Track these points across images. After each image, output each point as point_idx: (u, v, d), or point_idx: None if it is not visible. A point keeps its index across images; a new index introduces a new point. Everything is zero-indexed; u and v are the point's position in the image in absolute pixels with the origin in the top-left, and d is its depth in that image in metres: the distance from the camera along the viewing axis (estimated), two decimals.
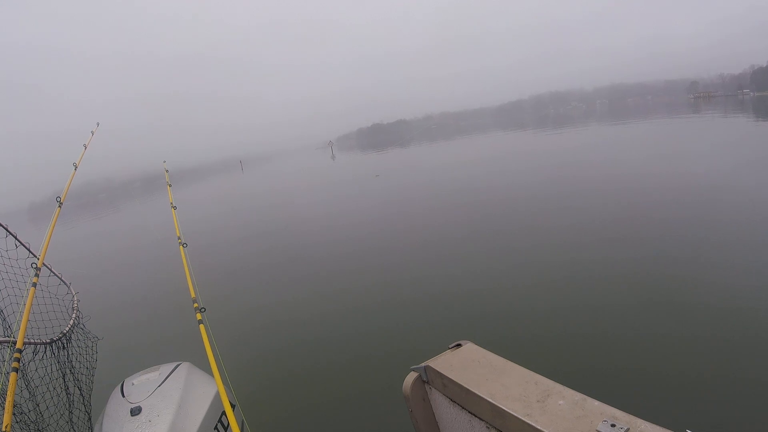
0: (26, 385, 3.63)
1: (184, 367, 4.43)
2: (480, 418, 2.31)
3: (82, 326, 5.13)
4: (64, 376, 4.19)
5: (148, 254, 19.55)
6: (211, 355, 3.52)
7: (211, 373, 3.50)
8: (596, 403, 1.96)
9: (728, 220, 10.55)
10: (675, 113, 62.29)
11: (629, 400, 3.48)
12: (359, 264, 12.16)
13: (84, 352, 4.94)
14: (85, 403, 4.55)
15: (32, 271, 4.08)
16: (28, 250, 4.35)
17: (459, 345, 2.76)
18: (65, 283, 5.18)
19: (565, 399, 2.04)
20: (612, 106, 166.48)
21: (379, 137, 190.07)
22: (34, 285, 3.92)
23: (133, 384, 4.18)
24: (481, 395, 2.23)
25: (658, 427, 1.71)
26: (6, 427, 2.79)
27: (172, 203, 5.95)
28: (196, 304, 4.02)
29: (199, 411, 3.79)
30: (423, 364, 2.65)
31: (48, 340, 4.07)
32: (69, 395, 4.21)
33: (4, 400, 2.92)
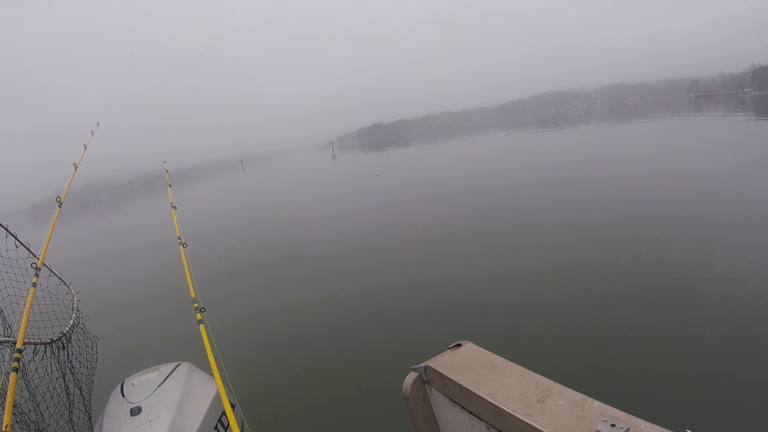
0: (26, 385, 3.63)
1: (184, 367, 4.43)
2: (480, 418, 2.31)
3: (82, 326, 5.12)
4: (64, 376, 4.18)
5: (148, 254, 19.55)
6: (211, 355, 3.51)
7: (211, 373, 3.49)
8: (596, 403, 1.96)
9: (728, 220, 10.54)
10: (676, 112, 62.26)
11: (629, 400, 3.48)
12: (359, 264, 12.16)
13: (84, 352, 4.93)
14: (85, 403, 4.54)
15: (32, 271, 4.07)
16: (28, 250, 4.34)
17: (459, 345, 2.76)
18: (65, 283, 5.17)
19: (565, 399, 2.04)
20: (613, 105, 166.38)
21: (379, 137, 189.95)
22: (34, 285, 3.91)
23: (133, 384, 4.18)
24: (481, 395, 2.23)
25: (658, 427, 1.71)
26: (6, 427, 2.79)
27: (172, 203, 5.95)
28: (196, 304, 4.02)
29: (199, 411, 3.79)
30: (423, 364, 2.64)
31: (48, 340, 4.06)
32: (69, 395, 4.21)
33: (4, 400, 2.92)
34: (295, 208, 25.01)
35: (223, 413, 3.94)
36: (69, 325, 4.59)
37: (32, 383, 3.71)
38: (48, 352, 4.01)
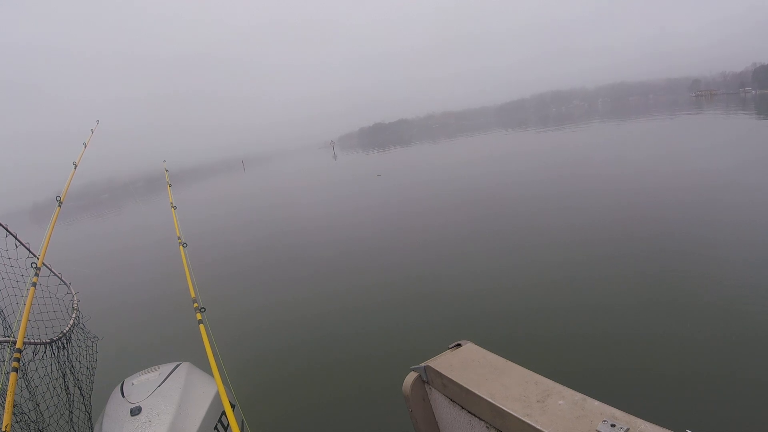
0: (26, 385, 3.63)
1: (184, 367, 4.43)
2: (480, 418, 2.31)
3: (82, 326, 5.12)
4: (64, 376, 4.18)
5: (148, 254, 19.56)
6: (211, 355, 3.51)
7: (211, 373, 3.49)
8: (596, 403, 1.95)
9: (728, 219, 10.53)
10: (677, 111, 62.19)
11: (629, 400, 3.48)
12: (359, 264, 12.16)
13: (84, 352, 4.94)
14: (85, 403, 4.54)
15: (32, 271, 4.07)
16: (28, 249, 4.34)
17: (459, 345, 2.76)
18: (65, 283, 5.17)
19: (565, 399, 2.04)
20: (614, 104, 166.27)
21: (380, 137, 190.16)
22: (34, 285, 3.91)
23: (133, 384, 4.18)
24: (481, 395, 2.23)
25: (658, 427, 1.71)
26: (6, 427, 2.79)
27: (172, 203, 5.95)
28: (196, 304, 4.02)
29: (199, 411, 3.79)
30: (423, 364, 2.64)
31: (48, 340, 4.06)
32: (69, 395, 4.21)
33: (4, 399, 2.91)
34: (295, 208, 25.01)
35: (223, 413, 3.94)
36: (69, 325, 4.59)
37: (32, 383, 3.71)
38: (48, 352, 4.01)
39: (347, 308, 9.09)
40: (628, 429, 1.74)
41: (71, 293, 5.19)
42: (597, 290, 7.97)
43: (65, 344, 4.39)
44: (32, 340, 3.83)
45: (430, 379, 2.62)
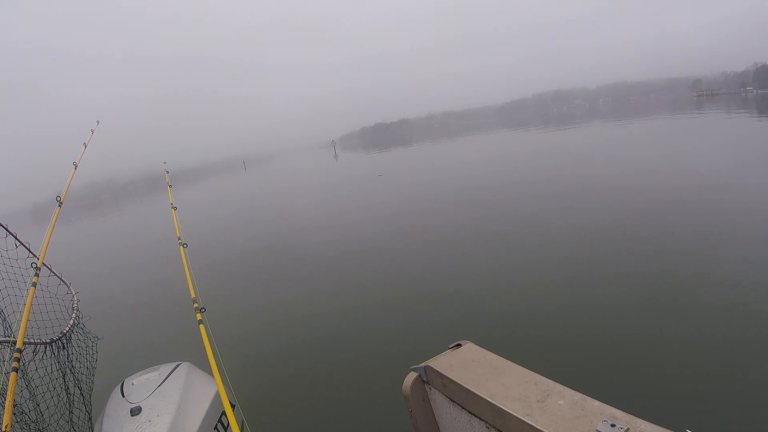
0: (26, 385, 3.63)
1: (184, 367, 4.43)
2: (480, 418, 2.31)
3: (82, 326, 5.12)
4: (64, 376, 4.18)
5: (148, 254, 19.56)
6: (211, 355, 3.51)
7: (211, 373, 3.49)
8: (596, 403, 1.95)
9: (728, 219, 10.52)
10: (678, 111, 62.14)
11: (629, 400, 3.47)
12: (359, 264, 12.16)
13: (84, 352, 4.94)
14: (86, 403, 4.54)
15: (32, 271, 4.07)
16: (28, 249, 4.34)
17: (459, 345, 2.76)
18: (65, 283, 5.17)
19: (565, 399, 2.03)
20: (615, 104, 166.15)
21: (382, 136, 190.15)
22: (34, 285, 3.91)
23: (133, 384, 4.18)
24: (481, 395, 2.23)
25: (658, 427, 1.71)
26: (6, 426, 2.79)
27: (172, 204, 5.95)
28: (196, 305, 4.02)
29: (199, 411, 3.79)
30: (423, 364, 2.64)
31: (48, 340, 4.06)
32: (69, 395, 4.21)
33: (4, 399, 2.91)
34: (295, 207, 25.01)
35: (223, 413, 3.95)
36: (69, 325, 4.59)
37: (32, 383, 3.71)
38: (48, 352, 4.01)
39: (347, 308, 9.09)
40: (628, 429, 1.74)
41: (71, 293, 5.19)
42: (597, 290, 7.97)
43: (65, 344, 4.39)
44: (32, 340, 3.82)
45: (430, 379, 2.62)
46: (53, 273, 5.01)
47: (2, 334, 3.80)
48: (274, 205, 28.43)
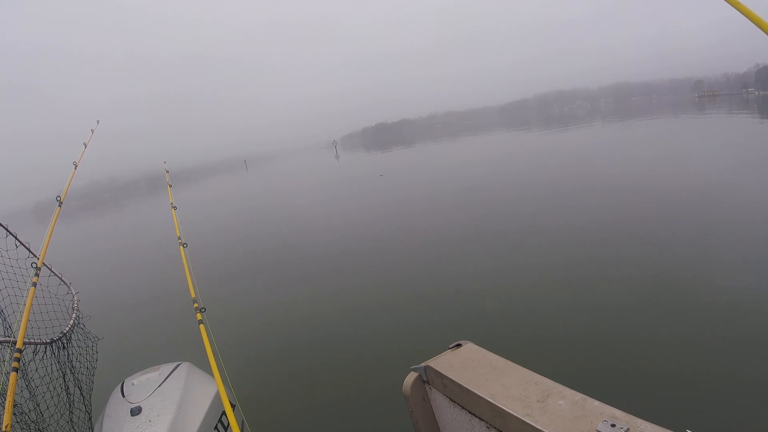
0: (26, 385, 3.63)
1: (184, 367, 4.43)
2: (480, 418, 2.31)
3: (82, 326, 5.13)
4: (64, 376, 4.18)
5: (148, 254, 19.58)
6: (211, 355, 3.51)
7: (211, 373, 3.49)
8: (596, 403, 1.95)
9: (729, 220, 10.52)
10: (680, 112, 62.09)
11: (629, 400, 3.47)
12: (360, 264, 12.16)
13: (84, 352, 4.94)
14: (86, 403, 4.54)
15: (32, 271, 4.07)
16: (28, 249, 4.34)
17: (459, 345, 2.76)
18: (65, 283, 5.17)
19: (565, 399, 2.03)
20: (617, 105, 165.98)
21: (383, 136, 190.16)
22: (34, 285, 3.91)
23: (133, 384, 4.18)
24: (481, 395, 2.23)
25: (658, 427, 1.71)
26: (6, 427, 2.79)
27: (172, 203, 5.95)
28: (196, 304, 4.02)
29: (199, 411, 3.79)
30: (423, 364, 2.64)
31: (48, 340, 4.06)
32: (69, 395, 4.21)
33: (4, 400, 2.92)
34: (296, 207, 25.02)
35: (223, 413, 3.95)
36: (69, 325, 4.59)
37: (32, 383, 3.71)
38: (48, 352, 4.01)
39: (348, 308, 9.09)
40: (628, 429, 1.73)
41: (71, 293, 5.19)
42: (597, 290, 7.96)
43: (65, 344, 4.39)
44: (32, 340, 3.83)
45: (430, 379, 2.62)
46: (53, 273, 5.01)
47: (2, 334, 3.80)
48: (275, 204, 28.45)
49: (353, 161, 61.92)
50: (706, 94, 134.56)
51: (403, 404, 2.71)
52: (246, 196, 38.66)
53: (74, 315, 4.90)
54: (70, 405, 4.16)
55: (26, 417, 3.51)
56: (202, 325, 3.78)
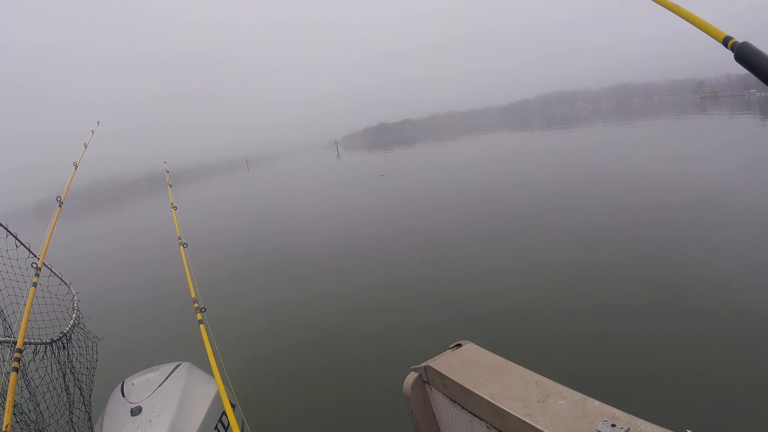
0: (26, 385, 3.63)
1: (185, 367, 4.43)
2: (480, 418, 2.30)
3: (82, 326, 5.12)
4: (64, 376, 4.19)
5: (148, 254, 19.57)
6: (212, 355, 3.51)
7: (211, 373, 3.49)
8: (596, 403, 1.95)
9: (729, 221, 10.51)
10: (681, 113, 62.04)
11: (629, 400, 3.46)
12: (360, 264, 12.16)
13: (84, 352, 4.94)
14: (86, 403, 4.54)
15: (32, 271, 4.07)
16: (29, 249, 4.34)
17: (459, 345, 2.75)
18: (65, 283, 5.17)
19: (565, 399, 2.03)
20: (618, 105, 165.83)
21: (384, 136, 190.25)
22: (34, 285, 3.91)
23: (133, 384, 4.18)
24: (482, 395, 2.22)
25: (658, 427, 1.70)
26: (6, 427, 2.79)
27: (172, 203, 5.95)
28: (196, 304, 4.01)
29: (199, 411, 3.78)
30: (423, 364, 2.64)
31: (48, 340, 4.06)
32: (69, 395, 4.21)
33: (4, 400, 2.92)
34: (296, 208, 25.02)
35: (224, 413, 3.94)
36: (69, 325, 4.59)
37: (32, 383, 3.72)
38: (48, 352, 4.02)
39: (348, 308, 9.10)
40: (628, 429, 1.73)
41: (71, 293, 5.19)
42: (597, 290, 7.96)
43: (65, 344, 4.40)
44: (32, 340, 3.83)
45: (430, 379, 2.62)
46: (53, 273, 5.01)
47: (2, 334, 3.80)
48: (275, 204, 28.44)
49: (354, 161, 61.92)
50: (707, 96, 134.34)
51: (403, 404, 2.71)
52: (247, 196, 38.62)
53: (74, 315, 4.90)
54: (70, 405, 4.16)
55: (26, 417, 3.51)
56: (202, 325, 3.78)
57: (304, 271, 12.16)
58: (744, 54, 1.64)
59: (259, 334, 8.62)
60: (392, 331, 7.77)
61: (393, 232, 15.25)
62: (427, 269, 10.64)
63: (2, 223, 4.13)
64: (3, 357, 3.39)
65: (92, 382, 4.92)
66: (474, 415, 2.35)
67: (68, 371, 4.33)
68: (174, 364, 4.47)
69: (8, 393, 2.90)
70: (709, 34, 1.85)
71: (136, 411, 3.65)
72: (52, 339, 4.13)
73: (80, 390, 4.50)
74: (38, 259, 4.19)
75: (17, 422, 3.28)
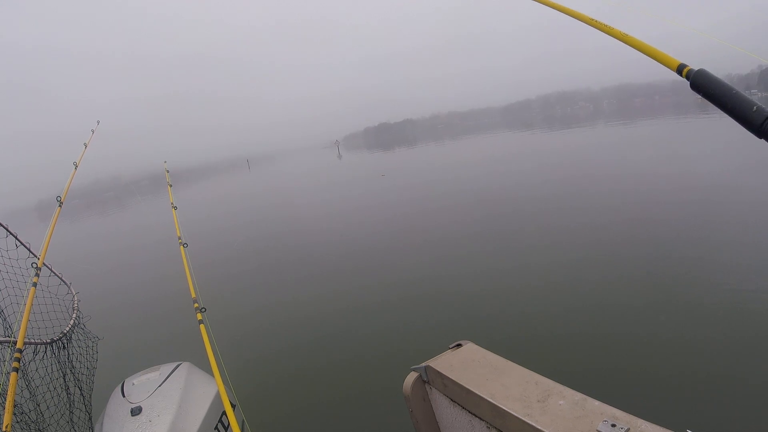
0: (27, 385, 3.63)
1: (185, 367, 4.43)
2: (480, 418, 2.30)
3: (82, 326, 5.12)
4: (64, 376, 4.18)
5: (148, 254, 19.57)
6: (212, 355, 3.50)
7: (211, 373, 3.49)
8: (596, 403, 1.94)
9: (729, 221, 10.50)
10: (683, 113, 61.98)
11: (629, 400, 3.46)
12: (360, 264, 12.17)
13: (84, 352, 4.93)
14: (86, 403, 4.54)
15: (32, 271, 4.07)
16: (29, 249, 4.34)
17: (459, 345, 2.75)
18: (65, 283, 5.17)
19: (565, 399, 2.02)
20: (620, 105, 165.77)
21: (385, 136, 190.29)
22: (35, 285, 3.91)
23: (133, 384, 4.18)
24: (482, 395, 2.22)
25: (658, 427, 1.70)
26: (6, 426, 2.79)
27: (172, 203, 5.94)
28: (196, 304, 4.01)
29: (199, 411, 3.78)
30: (423, 364, 2.63)
31: (48, 340, 4.06)
32: (69, 395, 4.21)
33: (5, 400, 2.92)
34: (296, 208, 25.03)
35: (224, 413, 3.94)
36: (69, 325, 4.59)
37: (32, 383, 3.72)
38: (48, 352, 4.01)
39: (348, 308, 9.10)
40: (628, 429, 1.73)
41: (71, 293, 5.19)
42: (597, 291, 7.97)
43: (65, 344, 4.39)
44: (33, 340, 3.83)
45: (430, 379, 2.61)
46: (54, 273, 5.01)
47: (2, 334, 3.80)
48: (275, 205, 28.45)
49: (355, 161, 61.95)
50: None
51: (403, 404, 2.71)
52: (247, 196, 38.64)
53: (74, 315, 4.89)
54: (70, 405, 4.16)
55: (26, 417, 3.51)
56: (202, 325, 3.78)
57: (305, 271, 12.17)
58: (699, 82, 1.65)
59: (259, 334, 8.62)
60: (392, 331, 7.77)
61: (393, 232, 15.27)
62: (427, 269, 10.64)
63: (2, 223, 4.13)
64: (3, 357, 3.39)
65: (92, 382, 4.92)
66: (474, 415, 2.35)
67: (68, 371, 4.33)
68: (174, 364, 4.47)
69: (8, 393, 2.89)
70: (663, 63, 1.85)
71: (136, 411, 3.65)
72: (52, 339, 4.13)
73: (80, 390, 4.50)
74: (38, 259, 4.19)
75: (17, 422, 3.28)
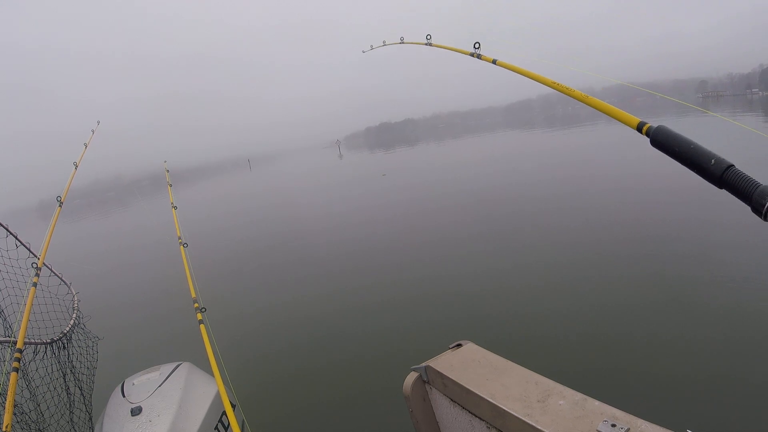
0: (27, 385, 3.63)
1: (185, 367, 4.42)
2: (480, 418, 2.30)
3: (82, 326, 5.12)
4: (64, 376, 4.19)
5: (149, 254, 19.56)
6: (212, 355, 3.50)
7: (211, 373, 3.49)
8: (596, 403, 1.94)
9: (729, 221, 10.47)
10: (684, 113, 61.92)
11: (629, 400, 3.46)
12: (360, 264, 12.17)
13: (84, 352, 4.94)
14: (86, 403, 4.54)
15: (32, 271, 4.07)
16: (29, 249, 4.34)
17: (459, 345, 2.75)
18: (65, 283, 5.17)
19: (565, 399, 2.02)
20: (621, 105, 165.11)
21: (386, 136, 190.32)
22: (35, 285, 3.91)
23: (133, 384, 4.17)
24: (482, 395, 2.22)
25: (658, 427, 1.70)
26: (6, 426, 2.79)
27: (172, 203, 5.94)
28: (196, 304, 4.01)
29: (199, 411, 3.78)
30: (423, 364, 2.63)
31: (48, 340, 4.07)
32: (69, 395, 4.21)
33: (5, 400, 2.92)
34: (297, 208, 25.04)
35: (224, 413, 3.94)
36: (69, 325, 4.59)
37: (33, 383, 3.72)
38: (48, 352, 4.02)
39: (348, 308, 9.10)
40: (628, 429, 1.73)
41: (71, 293, 5.20)
42: (598, 291, 7.97)
43: (66, 344, 4.40)
44: (33, 340, 3.83)
45: (430, 379, 2.61)
46: (54, 273, 5.01)
47: (3, 334, 3.80)
48: (275, 205, 28.45)
49: (356, 161, 61.95)
50: (710, 95, 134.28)
51: (403, 404, 2.70)
52: (247, 196, 38.64)
53: (74, 315, 4.90)
54: (70, 405, 4.16)
55: (26, 417, 3.51)
56: (202, 325, 3.78)
57: (305, 271, 12.16)
58: (659, 138, 1.72)
59: (259, 334, 8.62)
60: (392, 331, 7.77)
61: (393, 232, 15.26)
62: (428, 269, 10.63)
63: (2, 223, 4.13)
64: (3, 357, 3.39)
65: (92, 382, 4.92)
66: (474, 415, 2.34)
67: (68, 371, 4.34)
68: (174, 364, 4.46)
69: (8, 393, 2.89)
70: (623, 122, 1.87)
71: (136, 411, 3.65)
72: (52, 339, 4.14)
73: (80, 390, 4.50)
74: (38, 259, 4.19)
75: (17, 422, 3.28)
